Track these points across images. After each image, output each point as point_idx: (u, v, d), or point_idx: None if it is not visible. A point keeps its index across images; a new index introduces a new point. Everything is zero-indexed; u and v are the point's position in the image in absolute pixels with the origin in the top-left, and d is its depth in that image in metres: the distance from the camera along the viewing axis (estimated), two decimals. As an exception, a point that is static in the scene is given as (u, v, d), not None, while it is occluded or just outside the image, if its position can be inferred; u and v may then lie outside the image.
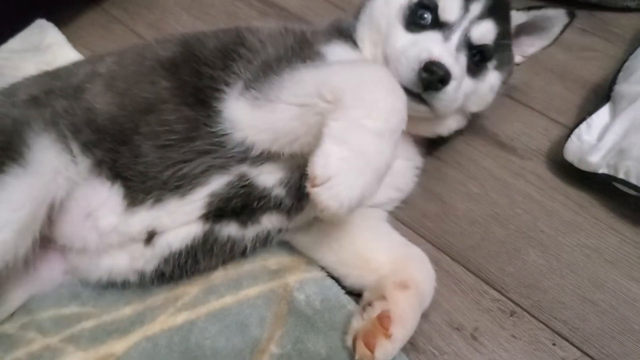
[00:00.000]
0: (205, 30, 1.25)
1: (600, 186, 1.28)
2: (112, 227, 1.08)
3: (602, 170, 1.21)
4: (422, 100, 1.11)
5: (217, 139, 1.06)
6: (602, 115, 1.30)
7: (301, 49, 1.13)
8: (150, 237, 1.09)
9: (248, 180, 1.07)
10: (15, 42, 1.76)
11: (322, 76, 0.97)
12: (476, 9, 1.15)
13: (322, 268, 1.17)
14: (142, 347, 1.07)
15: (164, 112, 1.09)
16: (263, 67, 1.07)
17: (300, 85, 0.98)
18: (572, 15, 1.26)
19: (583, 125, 1.29)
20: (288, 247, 1.21)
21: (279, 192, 1.09)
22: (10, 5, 1.66)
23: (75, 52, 1.70)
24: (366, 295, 1.06)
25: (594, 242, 1.22)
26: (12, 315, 1.14)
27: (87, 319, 1.14)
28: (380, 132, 0.88)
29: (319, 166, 0.85)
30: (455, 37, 1.13)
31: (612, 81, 1.35)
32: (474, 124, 1.37)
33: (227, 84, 1.09)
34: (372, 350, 0.95)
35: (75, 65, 1.30)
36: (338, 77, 0.95)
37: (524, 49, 1.32)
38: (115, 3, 1.95)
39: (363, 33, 1.22)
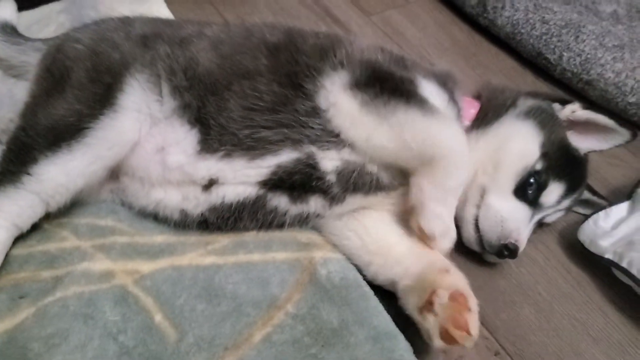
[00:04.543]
0: (306, 29, 1.38)
1: (601, 270, 1.38)
2: (178, 165, 1.18)
3: (608, 255, 1.32)
4: (483, 248, 1.30)
5: (302, 118, 1.17)
6: (621, 209, 1.42)
7: (396, 66, 1.25)
8: (210, 184, 1.19)
9: (314, 160, 1.18)
10: (116, -13, 1.85)
11: (430, 132, 1.15)
12: (566, 203, 1.34)
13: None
14: (167, 273, 1.14)
15: (258, 82, 1.21)
16: (371, 73, 1.20)
17: (411, 127, 1.15)
18: (634, 136, 1.33)
19: (602, 213, 1.40)
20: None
21: (332, 178, 1.19)
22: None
23: (170, 13, 1.81)
24: (413, 300, 1.10)
25: (583, 317, 1.32)
26: (48, 215, 1.19)
27: (121, 234, 1.21)
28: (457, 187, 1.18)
29: (436, 225, 1.14)
30: (538, 217, 1.32)
31: (636, 184, 1.48)
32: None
33: (323, 74, 1.21)
34: (467, 331, 1.00)
35: (184, 22, 1.44)
36: (441, 143, 1.15)
37: (582, 144, 1.37)
38: (211, -15, 2.09)
39: (486, 143, 1.31)
